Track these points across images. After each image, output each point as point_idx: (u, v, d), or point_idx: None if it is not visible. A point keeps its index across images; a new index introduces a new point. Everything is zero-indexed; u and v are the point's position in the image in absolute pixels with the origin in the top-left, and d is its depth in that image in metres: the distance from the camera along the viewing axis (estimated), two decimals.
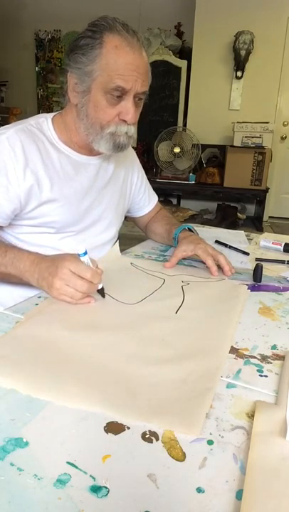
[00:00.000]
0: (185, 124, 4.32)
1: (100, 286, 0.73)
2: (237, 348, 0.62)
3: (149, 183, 1.19)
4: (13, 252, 0.78)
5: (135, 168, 1.13)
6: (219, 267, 0.93)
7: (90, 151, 0.92)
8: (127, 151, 1.05)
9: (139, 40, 0.80)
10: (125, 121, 0.82)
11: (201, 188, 4.09)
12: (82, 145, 0.90)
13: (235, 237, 1.29)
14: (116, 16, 0.80)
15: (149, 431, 0.44)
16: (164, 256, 1.06)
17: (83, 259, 0.70)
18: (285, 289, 0.87)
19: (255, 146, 3.85)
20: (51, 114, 0.92)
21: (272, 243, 1.17)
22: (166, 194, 4.48)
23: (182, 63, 4.24)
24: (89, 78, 0.80)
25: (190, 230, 1.07)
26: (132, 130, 0.85)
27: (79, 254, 0.70)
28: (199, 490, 0.37)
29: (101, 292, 0.74)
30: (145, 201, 1.18)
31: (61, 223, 0.91)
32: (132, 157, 1.12)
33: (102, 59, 0.78)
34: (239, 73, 4.07)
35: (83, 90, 0.82)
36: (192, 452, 0.41)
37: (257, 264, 0.92)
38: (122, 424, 0.45)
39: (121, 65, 0.77)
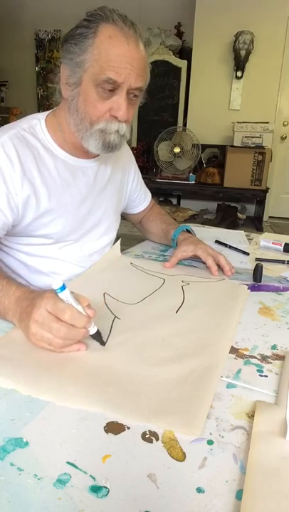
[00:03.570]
0: (185, 124, 4.32)
1: (91, 331, 0.57)
2: (237, 348, 0.62)
3: (142, 180, 1.17)
4: (1, 283, 0.66)
5: (132, 166, 1.11)
6: (219, 267, 0.93)
7: (86, 153, 0.88)
8: (122, 150, 1.03)
9: (136, 32, 0.74)
10: (116, 117, 0.77)
11: (201, 188, 4.09)
12: (76, 145, 0.85)
13: (235, 237, 1.29)
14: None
15: (149, 431, 0.44)
16: (164, 256, 1.06)
17: (62, 295, 0.55)
18: (285, 289, 0.87)
19: (255, 146, 3.85)
20: (44, 114, 0.87)
21: (272, 243, 1.17)
22: (166, 194, 4.48)
23: (182, 63, 4.24)
24: (80, 69, 0.74)
25: (188, 231, 1.07)
26: (124, 128, 0.79)
27: (55, 290, 0.55)
28: (199, 490, 0.37)
29: (97, 338, 0.58)
30: (141, 199, 1.17)
31: (60, 234, 0.88)
32: (127, 155, 1.09)
33: (95, 49, 0.72)
34: (239, 73, 4.07)
35: (74, 82, 0.76)
36: (192, 452, 0.41)
37: (257, 264, 0.92)
38: (122, 424, 0.45)
39: (113, 56, 0.72)
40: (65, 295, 0.55)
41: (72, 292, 0.57)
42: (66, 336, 0.55)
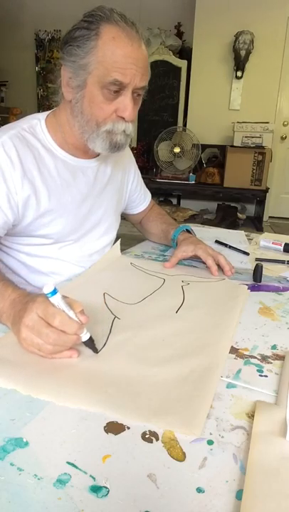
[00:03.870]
0: (185, 124, 4.32)
1: (84, 338, 0.56)
2: (237, 348, 0.62)
3: (142, 180, 1.17)
4: None
5: (132, 166, 1.11)
6: (219, 267, 0.93)
7: (86, 153, 0.88)
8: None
9: (138, 32, 0.74)
10: (123, 118, 0.77)
11: (201, 188, 4.09)
12: (77, 146, 0.85)
13: (235, 237, 1.29)
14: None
15: (149, 431, 0.44)
16: (164, 256, 1.06)
17: (53, 300, 0.54)
18: (285, 289, 0.87)
19: (255, 146, 3.85)
20: (44, 114, 0.87)
21: (272, 243, 1.17)
22: (166, 194, 4.48)
23: (182, 63, 4.24)
24: (84, 72, 0.74)
25: (188, 231, 1.07)
26: (130, 128, 0.80)
27: (46, 295, 0.54)
28: (199, 490, 0.37)
29: (90, 345, 0.57)
30: (141, 199, 1.17)
31: (60, 234, 0.88)
32: (127, 155, 1.09)
33: (99, 51, 0.72)
34: (239, 73, 4.07)
35: (78, 85, 0.76)
36: (192, 452, 0.41)
37: (257, 264, 0.92)
38: (122, 424, 0.45)
39: (119, 57, 0.72)
40: (56, 300, 0.53)
41: (66, 297, 0.56)
42: (55, 342, 0.53)
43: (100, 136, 0.79)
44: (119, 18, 0.73)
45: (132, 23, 0.75)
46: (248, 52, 3.97)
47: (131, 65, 0.73)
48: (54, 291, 0.53)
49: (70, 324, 0.53)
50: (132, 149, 3.73)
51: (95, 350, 0.57)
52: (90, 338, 0.56)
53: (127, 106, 0.76)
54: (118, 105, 0.76)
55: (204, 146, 4.14)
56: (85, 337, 0.56)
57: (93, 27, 0.73)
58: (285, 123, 4.25)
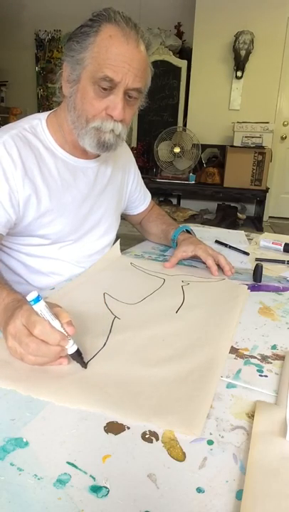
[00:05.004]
0: (185, 124, 4.32)
1: (70, 350, 0.52)
2: (237, 348, 0.62)
3: (142, 181, 1.17)
4: None
5: (132, 167, 1.11)
6: (219, 267, 0.93)
7: (85, 153, 0.87)
8: (122, 150, 1.00)
9: (138, 34, 0.75)
10: (112, 116, 0.77)
11: (201, 188, 4.09)
12: (75, 145, 0.85)
13: (235, 237, 1.29)
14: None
15: (149, 431, 0.44)
16: (164, 256, 1.06)
17: (36, 308, 0.51)
18: (285, 289, 0.87)
19: (255, 146, 3.85)
20: (45, 114, 0.87)
21: (272, 243, 1.17)
22: (166, 194, 4.48)
23: (182, 63, 4.24)
24: (79, 66, 0.75)
25: (188, 231, 1.07)
26: (120, 128, 0.79)
27: (29, 302, 0.52)
28: (199, 490, 0.37)
29: (77, 359, 0.53)
30: (140, 200, 1.17)
31: (59, 234, 0.88)
32: (128, 156, 1.09)
33: (95, 47, 0.73)
34: (239, 73, 4.07)
35: (73, 79, 0.77)
36: (192, 452, 0.41)
37: (257, 264, 0.92)
38: (122, 424, 0.44)
39: (112, 54, 0.73)
40: (38, 308, 0.51)
41: (56, 306, 0.54)
42: (35, 352, 0.50)
43: (88, 132, 0.79)
44: (121, 19, 0.74)
45: (134, 25, 0.75)
46: (248, 52, 3.97)
47: (123, 64, 0.73)
48: (37, 299, 0.51)
49: (52, 334, 0.50)
50: (132, 149, 3.72)
51: (83, 365, 0.53)
52: (78, 351, 0.53)
53: (117, 105, 0.75)
54: (108, 103, 0.76)
55: (204, 146, 4.13)
56: (71, 349, 0.52)
57: (95, 25, 0.74)
58: (285, 123, 4.25)
